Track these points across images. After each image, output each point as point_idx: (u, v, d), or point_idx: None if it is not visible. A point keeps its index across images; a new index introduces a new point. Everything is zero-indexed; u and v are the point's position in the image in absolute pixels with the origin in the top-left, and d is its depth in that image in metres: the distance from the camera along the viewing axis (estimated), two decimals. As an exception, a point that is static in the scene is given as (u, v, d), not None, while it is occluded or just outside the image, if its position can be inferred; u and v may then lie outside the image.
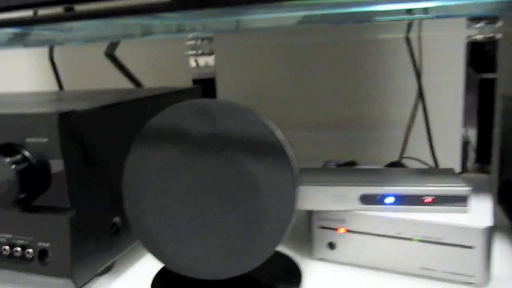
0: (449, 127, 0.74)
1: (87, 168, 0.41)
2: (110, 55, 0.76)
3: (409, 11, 0.47)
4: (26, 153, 0.39)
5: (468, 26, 0.58)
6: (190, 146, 0.36)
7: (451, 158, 0.73)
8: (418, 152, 0.72)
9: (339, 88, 0.79)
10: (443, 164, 0.70)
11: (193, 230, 0.37)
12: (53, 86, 1.00)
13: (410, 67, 0.65)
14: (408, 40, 0.63)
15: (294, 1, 0.31)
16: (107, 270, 0.46)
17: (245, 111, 0.35)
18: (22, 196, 0.38)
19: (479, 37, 0.57)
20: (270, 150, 0.34)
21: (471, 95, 0.62)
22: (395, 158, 0.74)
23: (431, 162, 0.69)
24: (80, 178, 0.40)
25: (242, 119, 0.35)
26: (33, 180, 0.39)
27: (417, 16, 0.49)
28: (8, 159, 0.38)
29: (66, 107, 0.42)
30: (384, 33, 0.73)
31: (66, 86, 0.93)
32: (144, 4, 0.33)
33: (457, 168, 0.67)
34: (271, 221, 0.35)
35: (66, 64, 0.94)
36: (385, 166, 0.63)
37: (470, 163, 0.67)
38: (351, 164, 0.58)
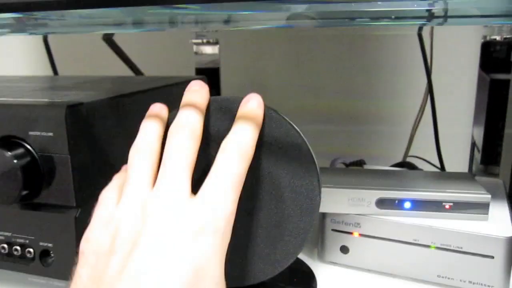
0: (456, 127, 0.73)
1: (93, 164, 0.38)
2: (109, 39, 0.72)
3: (429, 12, 0.45)
4: (29, 147, 0.36)
5: (485, 26, 0.56)
6: (211, 145, 0.34)
7: (455, 158, 0.73)
8: (423, 151, 0.71)
9: (346, 82, 0.77)
10: (448, 164, 0.69)
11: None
12: (45, 70, 0.96)
13: (420, 63, 0.64)
14: (420, 37, 0.62)
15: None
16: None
17: (270, 110, 0.33)
18: (24, 193, 0.36)
19: (497, 37, 0.55)
20: (296, 153, 0.33)
21: (482, 95, 0.61)
22: (399, 155, 0.73)
23: (436, 162, 0.68)
24: (86, 175, 0.38)
25: (266, 119, 0.33)
26: (36, 176, 0.36)
27: (435, 21, 0.47)
28: (10, 153, 0.35)
29: (71, 97, 0.39)
30: (396, 30, 0.71)
31: (60, 71, 0.90)
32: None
33: (464, 169, 0.66)
34: (292, 227, 0.33)
35: (60, 48, 0.90)
36: (393, 165, 0.62)
37: (475, 164, 0.67)
38: (359, 163, 0.57)
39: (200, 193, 0.28)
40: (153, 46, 0.85)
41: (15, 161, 0.35)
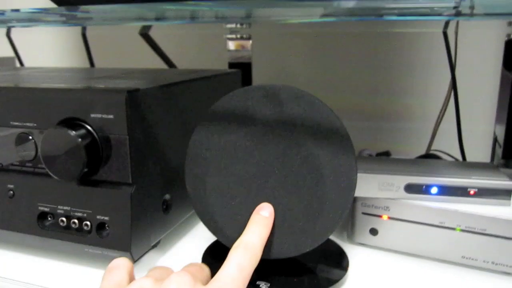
0: (478, 123, 0.75)
1: (146, 145, 0.42)
2: (145, 34, 0.76)
3: (456, 9, 0.47)
4: (90, 128, 0.40)
5: (509, 24, 0.58)
6: (257, 128, 0.37)
7: (477, 153, 0.75)
8: (446, 146, 0.74)
9: (370, 78, 0.80)
10: (470, 159, 0.72)
11: (254, 210, 0.38)
12: (82, 63, 1.00)
13: (444, 61, 0.66)
14: (445, 34, 0.64)
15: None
16: (154, 246, 0.48)
17: (311, 97, 0.36)
18: (85, 170, 0.40)
19: (521, 35, 0.58)
20: (335, 135, 0.36)
21: (505, 93, 0.63)
22: (421, 150, 0.76)
23: (458, 157, 0.70)
24: (141, 155, 0.41)
25: (308, 104, 0.36)
26: (95, 155, 0.40)
27: (462, 17, 0.49)
28: (74, 132, 0.39)
29: (125, 84, 0.43)
30: (421, 27, 0.74)
31: (96, 64, 0.94)
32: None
33: (485, 163, 0.68)
34: (331, 203, 0.36)
35: (97, 42, 0.95)
36: (418, 157, 0.65)
37: (497, 159, 0.69)
38: (386, 154, 0.59)
39: (212, 284, 0.31)
40: (187, 41, 0.88)
41: (79, 140, 0.38)
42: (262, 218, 0.37)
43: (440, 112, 0.71)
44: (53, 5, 0.46)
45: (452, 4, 0.47)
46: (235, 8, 0.39)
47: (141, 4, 0.39)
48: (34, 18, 0.46)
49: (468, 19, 0.51)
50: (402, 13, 0.48)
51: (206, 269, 0.37)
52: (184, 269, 0.34)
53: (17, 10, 0.44)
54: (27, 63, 1.00)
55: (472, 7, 0.48)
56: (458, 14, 0.48)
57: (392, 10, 0.45)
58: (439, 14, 0.47)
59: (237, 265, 0.32)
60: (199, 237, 0.51)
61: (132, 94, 0.39)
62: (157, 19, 0.53)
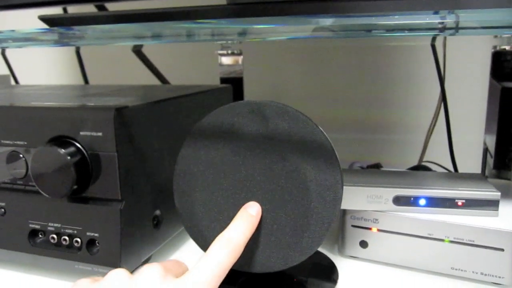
0: (469, 133, 0.76)
1: (136, 162, 0.42)
2: (138, 51, 0.77)
3: (441, 24, 0.48)
4: (79, 146, 0.41)
5: (495, 37, 0.59)
6: (243, 144, 0.38)
7: (469, 164, 0.75)
8: (437, 157, 0.74)
9: (361, 91, 0.80)
10: (462, 170, 0.72)
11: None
12: (76, 80, 1.01)
13: (434, 73, 0.67)
14: (434, 47, 0.65)
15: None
16: (145, 261, 0.48)
17: (296, 112, 0.37)
18: (74, 187, 0.40)
19: (506, 47, 0.59)
20: (320, 149, 0.36)
21: (494, 103, 0.64)
22: (413, 162, 0.76)
23: (449, 167, 0.70)
24: (130, 172, 0.42)
25: (293, 119, 0.37)
26: (85, 172, 0.40)
27: (447, 32, 0.50)
28: (63, 151, 0.39)
29: (114, 102, 0.44)
30: (410, 41, 0.75)
31: (90, 80, 0.95)
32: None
33: (476, 173, 0.69)
34: (317, 217, 0.37)
35: (91, 59, 0.96)
36: (409, 168, 0.65)
37: (487, 169, 0.69)
38: (376, 166, 0.60)
39: (186, 275, 0.31)
40: (179, 57, 0.89)
41: (68, 158, 0.39)
42: (249, 215, 0.37)
43: (431, 124, 0.72)
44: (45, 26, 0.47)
45: (438, 20, 0.47)
46: (235, 26, 0.40)
47: (140, 23, 0.39)
48: (30, 37, 0.47)
49: (454, 33, 0.51)
50: (390, 28, 0.48)
51: (183, 266, 0.36)
52: (159, 262, 0.34)
53: (13, 31, 0.45)
54: (22, 80, 1.01)
55: (457, 23, 0.48)
56: (444, 28, 0.49)
57: (380, 26, 0.46)
58: (426, 29, 0.48)
59: (215, 260, 0.32)
60: (190, 252, 0.51)
61: (120, 112, 0.40)
62: (153, 36, 0.54)
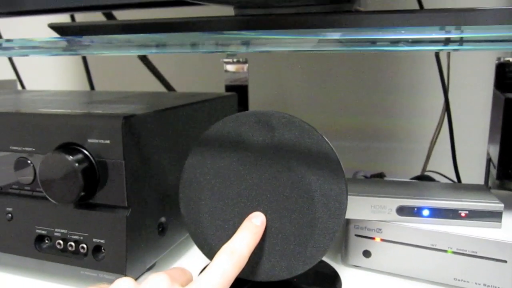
0: (472, 144, 0.76)
1: (142, 169, 0.43)
2: (144, 57, 0.78)
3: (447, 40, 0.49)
4: (87, 153, 0.41)
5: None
6: (249, 154, 0.38)
7: (472, 174, 0.76)
8: (440, 166, 0.75)
9: (366, 100, 0.81)
10: (465, 180, 0.72)
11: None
12: (82, 85, 1.02)
13: (437, 82, 0.68)
14: (437, 57, 0.66)
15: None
16: (150, 268, 0.48)
17: (302, 122, 0.37)
18: (82, 194, 0.40)
19: (510, 59, 0.59)
20: (325, 160, 0.37)
21: (497, 114, 0.64)
22: (417, 171, 0.76)
23: (453, 177, 0.71)
24: (136, 179, 0.42)
25: (299, 130, 0.37)
26: (92, 179, 0.41)
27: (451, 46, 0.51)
28: (71, 157, 0.40)
29: (122, 110, 0.44)
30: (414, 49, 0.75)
31: (96, 86, 0.95)
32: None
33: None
34: (322, 227, 0.37)
35: (97, 64, 0.96)
36: (412, 178, 0.66)
37: (491, 180, 0.69)
38: (380, 175, 0.60)
39: (191, 285, 0.31)
40: (184, 63, 0.90)
41: (76, 165, 0.39)
42: (253, 226, 0.37)
43: (435, 133, 0.72)
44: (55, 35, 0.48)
45: (444, 36, 0.48)
46: (240, 36, 0.40)
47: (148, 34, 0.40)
48: (38, 45, 0.48)
49: (458, 49, 0.52)
50: (395, 41, 0.49)
51: (188, 273, 0.37)
52: (165, 271, 0.35)
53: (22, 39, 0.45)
54: (28, 85, 1.02)
55: (461, 38, 0.49)
56: (448, 41, 0.49)
57: (385, 39, 0.47)
58: (430, 42, 0.48)
59: (220, 270, 0.32)
60: (195, 259, 0.51)
61: (128, 120, 0.40)
62: (158, 46, 0.54)
